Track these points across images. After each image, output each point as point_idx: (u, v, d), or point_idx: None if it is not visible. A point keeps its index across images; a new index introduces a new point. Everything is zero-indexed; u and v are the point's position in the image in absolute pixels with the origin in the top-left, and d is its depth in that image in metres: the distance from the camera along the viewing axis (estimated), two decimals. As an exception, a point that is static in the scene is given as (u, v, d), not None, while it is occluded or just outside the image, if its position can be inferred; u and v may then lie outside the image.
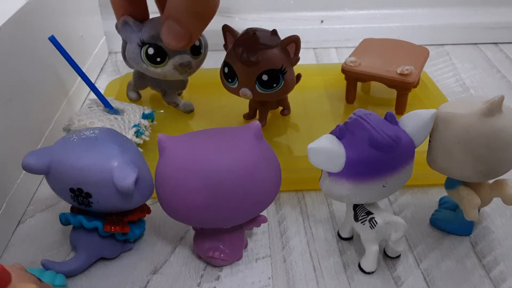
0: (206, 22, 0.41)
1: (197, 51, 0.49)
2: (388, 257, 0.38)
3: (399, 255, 0.38)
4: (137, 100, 0.56)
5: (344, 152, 0.33)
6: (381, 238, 0.36)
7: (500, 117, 0.33)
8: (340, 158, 0.33)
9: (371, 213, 0.35)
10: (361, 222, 0.36)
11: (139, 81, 0.54)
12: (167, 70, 0.48)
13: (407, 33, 0.72)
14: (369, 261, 0.37)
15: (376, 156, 0.33)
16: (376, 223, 0.35)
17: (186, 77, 0.51)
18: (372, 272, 0.37)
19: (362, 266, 0.37)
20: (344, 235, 0.40)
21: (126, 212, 0.36)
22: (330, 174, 0.35)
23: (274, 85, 0.45)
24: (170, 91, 0.53)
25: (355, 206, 0.37)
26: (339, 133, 0.34)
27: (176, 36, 0.40)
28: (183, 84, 0.54)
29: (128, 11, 0.47)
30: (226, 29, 0.46)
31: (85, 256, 0.37)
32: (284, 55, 0.45)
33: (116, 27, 0.48)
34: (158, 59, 0.47)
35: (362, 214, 0.36)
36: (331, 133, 0.35)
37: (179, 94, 0.56)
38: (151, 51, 0.47)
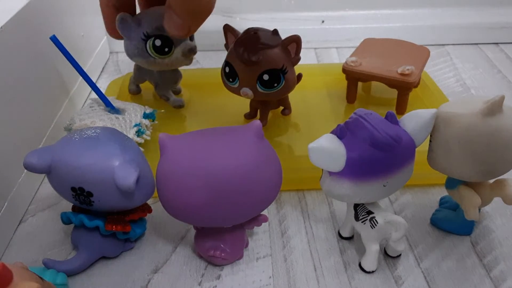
0: (203, 18, 0.43)
1: (192, 35, 0.50)
2: (388, 256, 0.38)
3: (400, 255, 0.38)
4: (136, 93, 0.57)
5: (344, 151, 0.33)
6: (381, 237, 0.36)
7: (501, 117, 0.33)
8: (341, 157, 0.33)
9: (372, 213, 0.36)
10: (362, 222, 0.36)
11: (138, 75, 0.55)
12: (174, 58, 0.49)
13: (408, 33, 0.72)
14: (370, 260, 0.37)
15: (377, 155, 0.33)
16: (377, 223, 0.35)
17: (190, 62, 0.51)
18: (373, 272, 0.37)
19: (362, 265, 0.37)
20: (344, 234, 0.40)
21: (127, 211, 0.36)
22: (330, 173, 0.35)
23: (275, 84, 0.45)
24: (162, 83, 0.53)
25: (356, 206, 0.37)
26: (340, 132, 0.34)
27: (176, 25, 0.43)
28: (175, 78, 0.54)
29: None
30: (227, 29, 0.47)
31: (86, 255, 0.37)
32: (285, 55, 0.45)
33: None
34: (166, 49, 0.48)
35: (363, 214, 0.36)
36: (332, 132, 0.35)
37: (177, 93, 0.56)
38: (158, 42, 0.47)
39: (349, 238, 0.40)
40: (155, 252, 0.39)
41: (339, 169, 0.34)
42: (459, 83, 0.65)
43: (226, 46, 0.47)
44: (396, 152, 0.34)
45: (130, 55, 0.50)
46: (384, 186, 0.34)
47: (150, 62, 0.49)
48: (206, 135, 0.35)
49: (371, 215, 0.35)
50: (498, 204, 0.43)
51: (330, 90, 0.58)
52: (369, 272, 0.37)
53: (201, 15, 0.42)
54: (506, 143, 0.34)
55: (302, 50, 0.45)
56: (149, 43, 0.47)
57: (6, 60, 0.40)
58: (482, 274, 0.37)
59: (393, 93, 0.52)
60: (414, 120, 0.35)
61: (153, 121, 0.49)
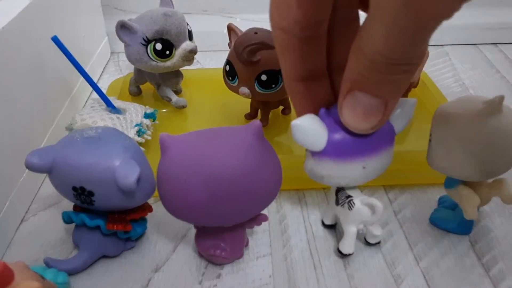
0: (410, 77, 0.26)
1: (190, 35, 0.50)
2: (369, 244, 0.39)
3: (379, 242, 0.39)
4: (137, 94, 0.57)
5: (326, 130, 0.33)
6: (359, 220, 0.36)
7: (500, 117, 0.33)
8: (323, 135, 0.33)
9: (350, 196, 0.36)
10: (341, 205, 0.37)
11: (138, 76, 0.55)
12: (176, 60, 0.49)
13: (407, 33, 0.72)
14: (347, 243, 0.37)
15: (355, 135, 0.33)
16: (354, 204, 0.36)
17: (191, 63, 0.52)
18: (350, 254, 0.38)
19: (340, 248, 0.38)
20: (327, 222, 0.41)
21: (128, 211, 0.37)
22: (313, 154, 0.35)
23: (273, 85, 0.45)
24: (164, 85, 0.54)
25: (337, 191, 0.38)
26: (322, 115, 0.34)
27: (365, 112, 0.29)
28: (177, 78, 0.54)
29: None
30: (231, 28, 0.47)
31: (88, 254, 0.37)
32: (285, 56, 0.45)
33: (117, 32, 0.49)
34: (167, 52, 0.48)
35: (342, 198, 0.37)
36: None
37: (178, 94, 0.57)
38: (159, 46, 0.48)
39: (332, 226, 0.41)
40: (155, 251, 0.39)
41: (321, 148, 0.34)
42: (458, 83, 0.65)
43: (229, 45, 0.48)
44: (374, 134, 0.34)
45: (132, 60, 0.50)
46: (363, 168, 0.34)
47: (152, 66, 0.49)
48: (207, 135, 0.35)
49: (349, 198, 0.36)
50: (497, 204, 0.43)
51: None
52: (346, 255, 0.38)
53: (413, 67, 0.26)
54: (505, 143, 0.34)
55: (302, 50, 0.45)
56: (150, 47, 0.47)
57: (8, 60, 0.41)
58: (481, 273, 0.37)
59: (393, 93, 0.52)
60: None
61: (154, 121, 0.49)
